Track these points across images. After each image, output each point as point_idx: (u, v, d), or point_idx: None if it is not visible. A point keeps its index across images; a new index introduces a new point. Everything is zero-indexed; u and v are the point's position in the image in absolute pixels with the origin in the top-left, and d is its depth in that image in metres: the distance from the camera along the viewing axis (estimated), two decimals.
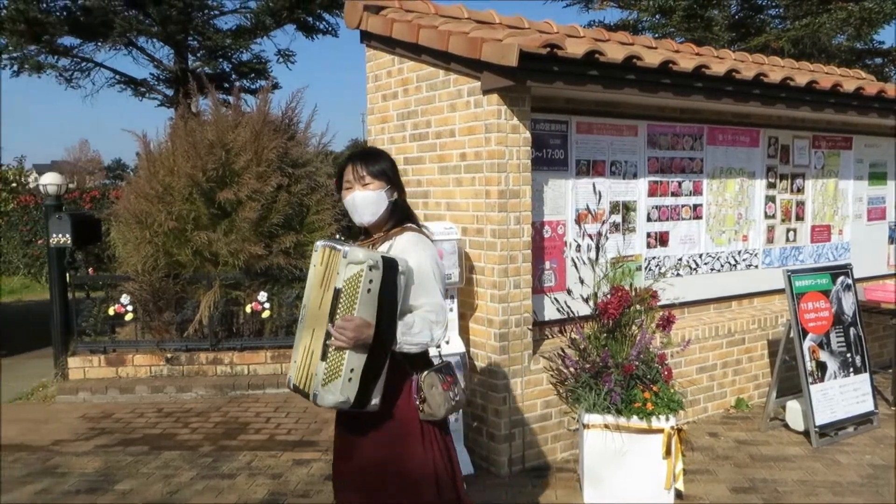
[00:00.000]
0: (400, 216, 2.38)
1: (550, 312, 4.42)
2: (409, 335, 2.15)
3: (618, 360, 3.65)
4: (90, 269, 6.62)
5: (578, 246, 4.51)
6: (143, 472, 4.37)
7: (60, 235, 6.03)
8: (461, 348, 3.96)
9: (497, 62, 3.64)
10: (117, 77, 13.99)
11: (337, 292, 2.09)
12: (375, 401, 2.14)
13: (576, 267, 4.44)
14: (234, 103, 6.94)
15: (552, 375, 4.10)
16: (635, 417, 3.55)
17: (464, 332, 4.16)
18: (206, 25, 14.10)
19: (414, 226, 2.40)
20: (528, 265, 4.06)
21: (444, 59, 4.17)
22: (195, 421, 5.37)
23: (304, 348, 2.22)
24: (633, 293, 3.79)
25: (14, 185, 14.62)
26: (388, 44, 4.66)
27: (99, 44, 13.05)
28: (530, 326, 4.09)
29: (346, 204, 2.36)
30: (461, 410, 4.06)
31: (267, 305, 6.20)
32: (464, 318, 4.18)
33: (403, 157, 4.70)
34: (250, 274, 6.21)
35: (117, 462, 4.54)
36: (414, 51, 4.43)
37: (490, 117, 3.91)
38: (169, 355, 6.16)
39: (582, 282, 4.35)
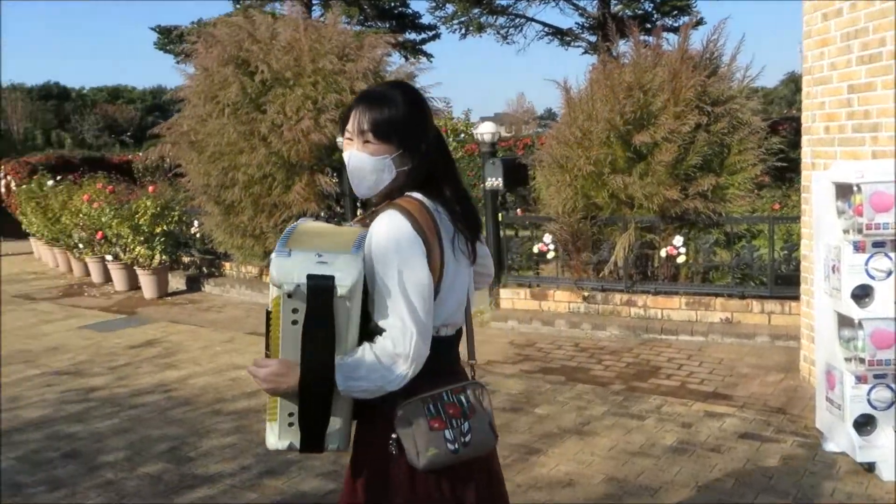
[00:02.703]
0: (416, 187, 1.67)
1: None
2: (353, 380, 1.52)
3: None
4: (518, 210, 7.23)
5: None
6: (559, 400, 4.68)
7: (494, 179, 6.69)
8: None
9: None
10: (546, 29, 14.89)
11: (267, 315, 1.57)
12: (333, 445, 1.60)
13: None
14: (654, 43, 6.77)
15: None
16: None
17: None
18: None
19: (406, 198, 1.64)
20: None
21: None
22: (608, 359, 5.54)
23: None
24: None
25: (462, 135, 16.73)
26: None
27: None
28: None
29: (346, 164, 1.69)
30: None
31: (682, 250, 6.02)
32: None
33: (847, 85, 4.03)
34: (665, 217, 6.09)
35: (537, 388, 4.94)
36: None
37: None
38: (586, 294, 6.44)
39: None
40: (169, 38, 20.39)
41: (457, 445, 1.61)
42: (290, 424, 1.59)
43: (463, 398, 1.66)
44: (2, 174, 15.24)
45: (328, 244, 1.57)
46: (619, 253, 6.16)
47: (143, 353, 6.20)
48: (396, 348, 1.53)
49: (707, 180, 5.93)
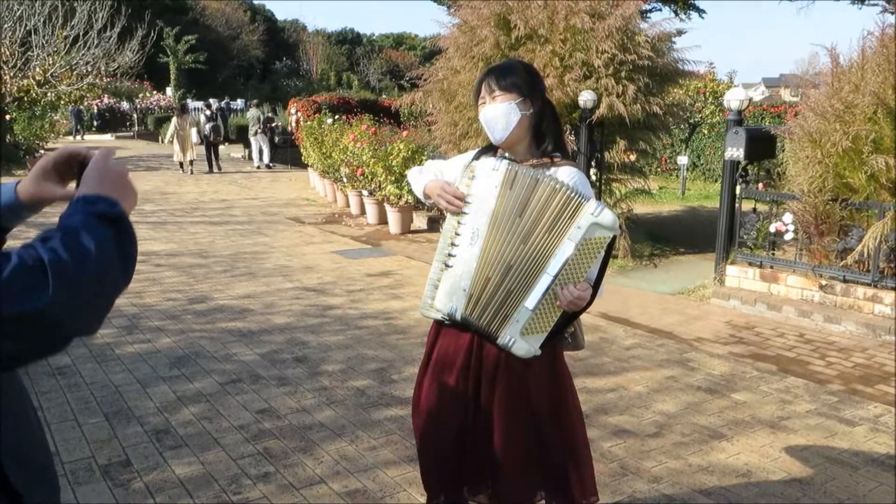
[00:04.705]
0: (538, 134, 2.17)
1: None
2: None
3: None
4: (760, 184, 6.74)
5: None
6: (763, 389, 4.43)
7: (734, 149, 6.29)
8: None
9: None
10: None
11: (566, 249, 1.99)
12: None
13: None
14: None
15: None
16: None
17: None
18: None
19: (570, 159, 2.21)
20: None
21: None
22: (834, 355, 5.08)
23: (482, 279, 2.05)
24: None
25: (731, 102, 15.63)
26: None
27: None
28: None
29: (482, 122, 2.16)
30: None
31: None
32: None
33: None
34: None
35: (742, 373, 4.71)
36: None
37: None
38: (823, 282, 5.89)
39: None
40: None
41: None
42: (547, 332, 2.09)
43: None
44: (293, 110, 17.38)
45: None
46: (869, 241, 5.52)
47: (377, 282, 6.91)
48: None
49: None
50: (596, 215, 1.96)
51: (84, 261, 1.00)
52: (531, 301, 2.02)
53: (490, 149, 2.25)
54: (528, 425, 2.18)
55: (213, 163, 17.47)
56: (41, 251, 0.98)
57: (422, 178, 2.29)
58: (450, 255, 2.09)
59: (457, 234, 2.09)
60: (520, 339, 2.04)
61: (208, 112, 18.22)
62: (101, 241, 1.04)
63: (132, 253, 1.11)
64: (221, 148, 19.10)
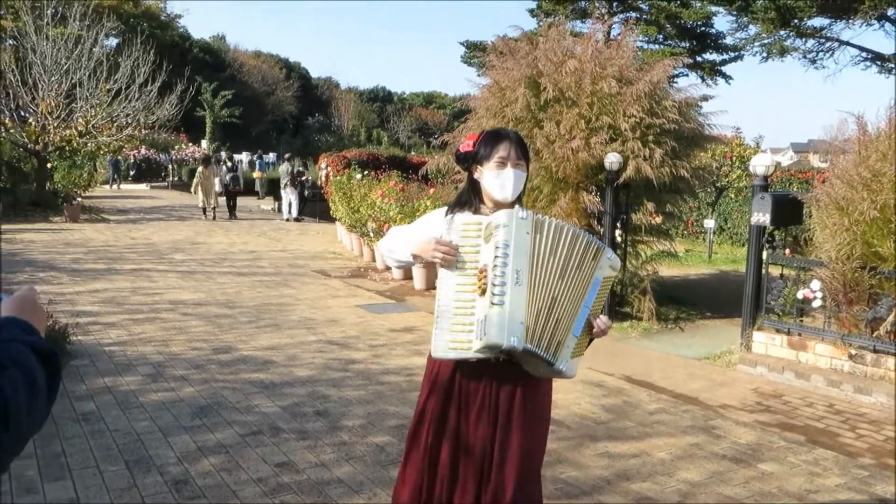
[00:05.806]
0: (520, 196, 2.51)
1: None
2: None
3: None
4: (787, 250, 6.69)
5: None
6: (790, 461, 4.32)
7: (760, 214, 6.28)
8: None
9: None
10: (863, 55, 13.27)
11: (596, 285, 2.32)
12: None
13: None
14: None
15: None
16: None
17: None
18: None
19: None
20: None
21: None
22: (865, 428, 4.95)
23: (535, 312, 2.23)
24: None
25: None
26: None
27: (849, 21, 12.60)
28: None
29: (498, 178, 2.40)
30: None
31: None
32: None
33: None
34: None
35: (769, 443, 4.61)
36: None
37: None
38: (853, 351, 5.78)
39: None
40: (474, 53, 21.96)
41: None
42: (581, 355, 2.37)
43: None
44: (324, 165, 17.72)
45: None
46: None
47: (400, 338, 6.92)
48: None
49: None
50: (611, 258, 2.39)
51: (35, 405, 1.00)
52: (577, 328, 2.30)
53: (459, 205, 2.50)
54: (534, 444, 2.44)
55: (232, 210, 19.02)
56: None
57: (401, 245, 2.51)
58: (494, 294, 2.23)
59: (495, 275, 2.24)
60: (572, 362, 2.32)
61: (229, 164, 20.23)
62: (43, 384, 1.04)
63: (57, 391, 1.11)
64: (255, 200, 19.75)
